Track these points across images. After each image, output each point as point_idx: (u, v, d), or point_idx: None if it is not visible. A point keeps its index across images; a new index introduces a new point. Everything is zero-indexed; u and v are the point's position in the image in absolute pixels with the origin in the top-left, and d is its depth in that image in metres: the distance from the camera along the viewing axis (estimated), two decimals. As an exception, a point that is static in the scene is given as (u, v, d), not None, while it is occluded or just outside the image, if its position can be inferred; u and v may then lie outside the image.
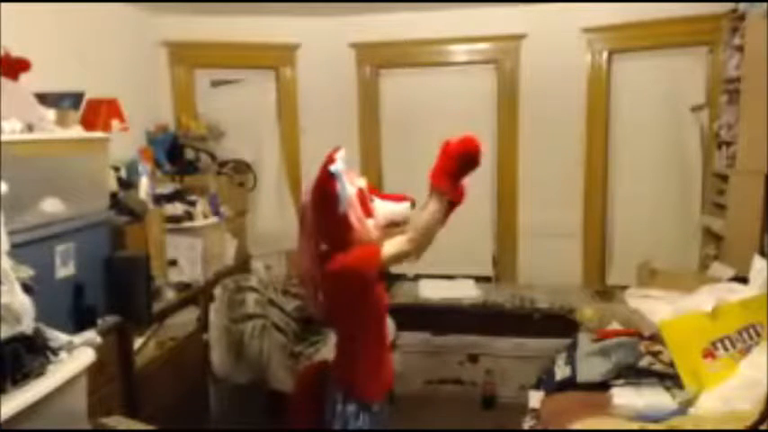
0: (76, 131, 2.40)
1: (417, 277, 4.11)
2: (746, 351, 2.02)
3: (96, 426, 1.91)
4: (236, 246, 3.68)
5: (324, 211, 1.91)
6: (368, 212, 1.95)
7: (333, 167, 1.86)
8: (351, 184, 1.91)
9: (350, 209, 1.89)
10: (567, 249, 4.01)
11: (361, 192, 1.95)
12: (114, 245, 2.49)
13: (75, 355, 1.68)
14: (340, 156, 1.89)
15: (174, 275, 3.06)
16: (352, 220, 1.89)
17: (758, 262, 2.39)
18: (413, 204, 2.00)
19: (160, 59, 4.02)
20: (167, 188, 3.37)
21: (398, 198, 2.03)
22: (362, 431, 1.97)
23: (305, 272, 2.03)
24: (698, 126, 3.62)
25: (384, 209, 1.99)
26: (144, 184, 3.04)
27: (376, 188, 2.09)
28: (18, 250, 1.65)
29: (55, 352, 1.62)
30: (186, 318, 3.07)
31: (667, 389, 2.05)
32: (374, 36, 4.09)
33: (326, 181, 1.87)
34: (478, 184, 4.19)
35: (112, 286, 2.41)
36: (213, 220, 3.40)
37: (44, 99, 2.33)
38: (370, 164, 4.15)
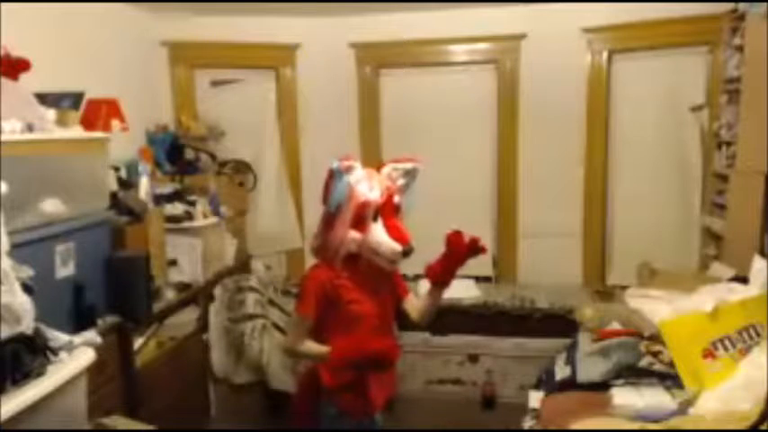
0: (76, 131, 2.41)
1: (417, 277, 4.10)
2: (746, 351, 2.02)
3: (96, 426, 1.91)
4: (236, 246, 3.68)
5: (323, 200, 1.94)
6: (360, 226, 1.88)
7: (334, 164, 1.87)
8: (363, 191, 1.87)
9: (340, 212, 1.88)
10: (567, 249, 4.01)
11: (363, 204, 1.87)
12: (114, 245, 2.49)
13: (76, 355, 1.68)
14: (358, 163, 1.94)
15: (174, 275, 3.06)
16: (335, 221, 1.89)
17: (758, 262, 2.39)
18: (406, 253, 1.90)
19: (160, 59, 4.02)
20: (167, 188, 3.36)
21: (399, 236, 1.90)
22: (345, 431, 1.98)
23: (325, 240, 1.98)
24: (698, 126, 3.62)
25: (376, 236, 1.89)
26: (144, 184, 3.04)
27: (395, 214, 1.96)
28: (18, 250, 1.65)
29: (55, 352, 1.61)
30: (186, 318, 3.07)
31: (667, 389, 2.05)
32: (374, 36, 4.08)
33: (329, 175, 1.90)
34: (479, 184, 4.21)
35: (112, 286, 2.41)
36: (213, 220, 3.40)
37: (44, 99, 2.33)
38: (370, 164, 4.14)
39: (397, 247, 1.88)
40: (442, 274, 1.96)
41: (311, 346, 1.93)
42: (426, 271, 1.98)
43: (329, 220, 1.92)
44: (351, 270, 1.93)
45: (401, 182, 2.00)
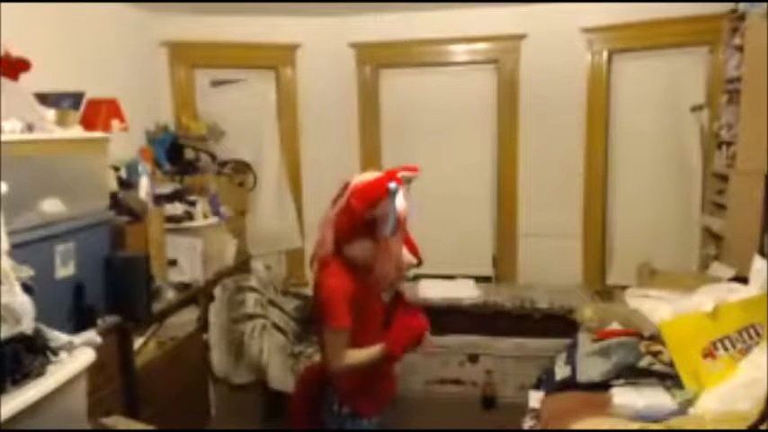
0: (76, 131, 2.40)
1: (417, 277, 4.11)
2: (746, 351, 2.02)
3: (96, 426, 1.91)
4: (236, 246, 3.68)
5: (353, 216, 1.84)
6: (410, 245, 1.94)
7: (392, 185, 1.78)
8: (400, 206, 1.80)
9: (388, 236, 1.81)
10: (567, 249, 4.01)
11: (400, 218, 1.83)
12: (114, 245, 2.49)
13: (76, 355, 1.68)
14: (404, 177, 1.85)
15: (174, 275, 3.07)
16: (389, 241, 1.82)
17: (758, 262, 2.39)
18: (418, 263, 2.00)
19: (160, 59, 4.02)
20: (167, 188, 3.36)
21: (413, 249, 1.99)
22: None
23: (321, 240, 1.97)
24: (698, 126, 3.62)
25: (396, 249, 1.92)
26: (144, 184, 3.04)
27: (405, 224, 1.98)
28: (18, 250, 1.65)
29: (55, 352, 1.61)
30: (186, 318, 3.07)
31: (667, 389, 2.05)
32: (374, 36, 4.09)
33: (382, 193, 1.79)
34: (479, 185, 4.21)
35: (112, 286, 2.41)
36: (213, 220, 3.41)
37: (44, 99, 2.34)
38: (370, 164, 4.15)
39: (414, 260, 1.95)
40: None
41: (361, 354, 1.88)
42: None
43: (375, 238, 1.84)
44: (365, 277, 1.91)
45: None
